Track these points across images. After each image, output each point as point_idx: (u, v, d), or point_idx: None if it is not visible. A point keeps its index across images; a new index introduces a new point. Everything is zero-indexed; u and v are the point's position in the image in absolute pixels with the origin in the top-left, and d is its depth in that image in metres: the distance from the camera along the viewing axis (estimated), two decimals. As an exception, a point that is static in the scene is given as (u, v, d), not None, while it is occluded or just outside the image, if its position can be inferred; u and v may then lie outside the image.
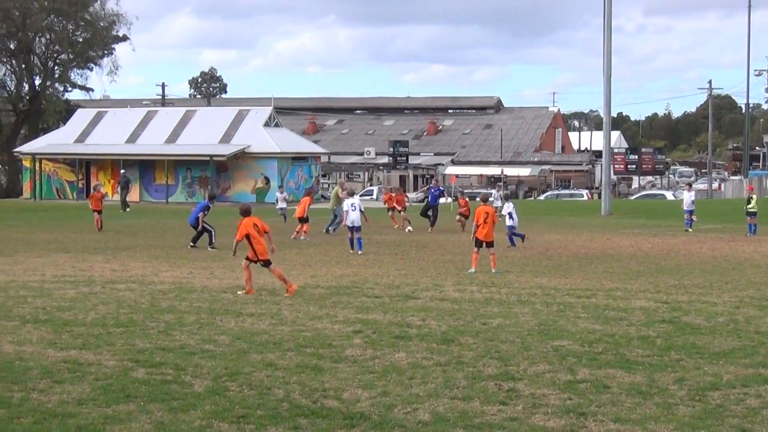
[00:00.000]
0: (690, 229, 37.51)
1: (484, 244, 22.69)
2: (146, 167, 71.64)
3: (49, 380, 11.07)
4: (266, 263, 18.60)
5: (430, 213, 38.78)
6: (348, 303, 17.27)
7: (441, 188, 43.42)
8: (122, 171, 63.79)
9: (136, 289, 19.03)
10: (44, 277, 20.94)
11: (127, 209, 55.35)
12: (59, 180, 73.26)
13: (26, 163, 75.46)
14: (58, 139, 75.74)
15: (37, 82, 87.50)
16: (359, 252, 27.03)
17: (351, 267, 23.66)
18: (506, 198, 35.09)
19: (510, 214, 29.68)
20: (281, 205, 42.76)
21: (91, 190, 41.66)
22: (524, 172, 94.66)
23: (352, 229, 27.61)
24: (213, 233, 28.72)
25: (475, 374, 11.51)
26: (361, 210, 28.01)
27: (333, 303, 17.25)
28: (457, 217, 37.78)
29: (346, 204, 28.14)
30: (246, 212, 18.72)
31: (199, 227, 28.84)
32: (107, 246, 29.41)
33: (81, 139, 74.96)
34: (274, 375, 11.40)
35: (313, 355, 12.59)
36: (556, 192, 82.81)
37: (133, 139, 73.62)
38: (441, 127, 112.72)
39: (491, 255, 22.77)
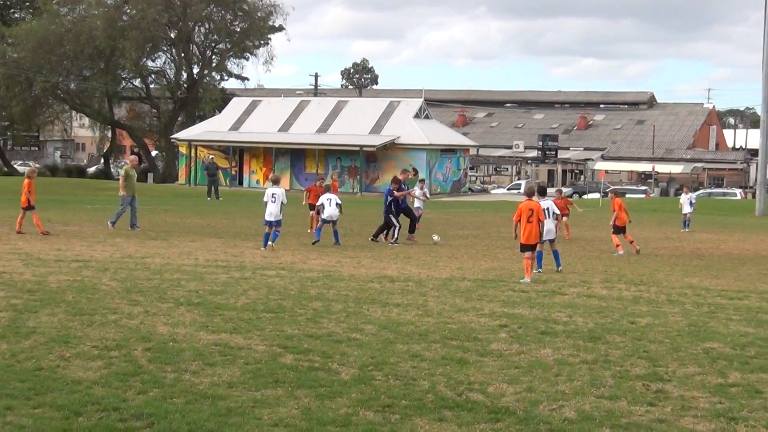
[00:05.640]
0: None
1: (535, 247, 19.85)
2: (297, 156, 72.82)
3: (201, 362, 11.36)
4: None
5: (394, 219, 27.79)
6: (494, 296, 17.24)
7: (403, 185, 29.04)
8: (210, 157, 62.77)
9: (286, 275, 19.34)
10: (197, 261, 21.46)
11: (219, 198, 51.94)
12: (213, 166, 75.04)
13: (182, 150, 77.52)
14: (214, 127, 77.62)
15: (195, 70, 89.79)
16: (335, 243, 26.25)
17: (497, 261, 23.59)
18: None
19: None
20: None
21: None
22: (676, 169, 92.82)
23: (327, 222, 26.59)
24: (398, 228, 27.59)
25: (623, 373, 11.36)
26: (338, 203, 26.58)
27: (479, 296, 17.23)
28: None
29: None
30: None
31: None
32: (258, 232, 29.92)
33: (235, 127, 76.68)
34: (419, 366, 11.47)
35: (459, 347, 12.61)
36: (708, 191, 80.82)
37: (285, 128, 74.93)
38: (592, 121, 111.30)
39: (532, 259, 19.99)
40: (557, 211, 22.66)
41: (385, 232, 28.01)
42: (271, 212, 24.84)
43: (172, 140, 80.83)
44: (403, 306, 15.89)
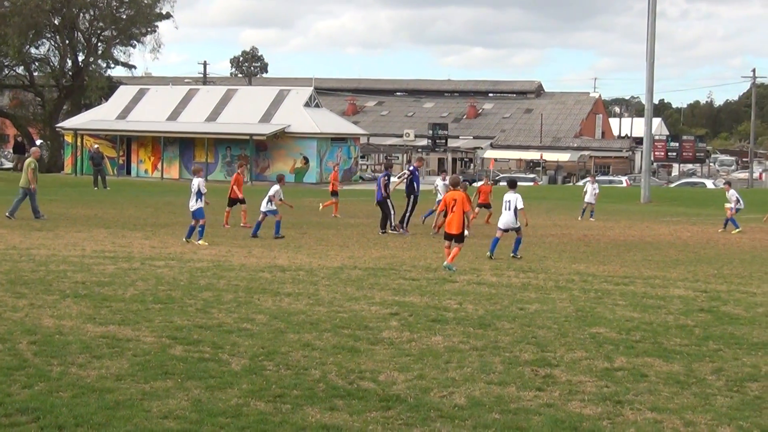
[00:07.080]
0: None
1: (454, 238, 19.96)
2: (186, 145, 72.01)
3: (88, 355, 11.16)
4: None
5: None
6: (385, 285, 17.29)
7: (416, 171, 30.00)
8: (95, 146, 61.50)
9: (175, 266, 19.13)
10: (84, 252, 21.09)
11: (106, 188, 51.04)
12: (100, 156, 73.84)
13: (68, 139, 76.04)
14: (100, 116, 76.31)
15: (81, 58, 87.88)
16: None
17: (388, 249, 23.66)
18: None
19: None
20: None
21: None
22: (563, 157, 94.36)
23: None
24: (392, 213, 28.18)
25: (512, 359, 11.49)
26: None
27: (370, 285, 17.26)
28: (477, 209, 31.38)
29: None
30: None
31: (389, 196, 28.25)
32: (146, 222, 29.58)
33: (123, 115, 75.51)
34: (310, 355, 11.44)
35: (350, 336, 12.62)
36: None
37: (174, 116, 74.05)
38: (481, 110, 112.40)
39: (455, 249, 19.89)
40: (520, 205, 22.29)
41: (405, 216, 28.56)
42: (190, 204, 24.03)
43: (57, 129, 79.16)
44: (294, 295, 15.84)
